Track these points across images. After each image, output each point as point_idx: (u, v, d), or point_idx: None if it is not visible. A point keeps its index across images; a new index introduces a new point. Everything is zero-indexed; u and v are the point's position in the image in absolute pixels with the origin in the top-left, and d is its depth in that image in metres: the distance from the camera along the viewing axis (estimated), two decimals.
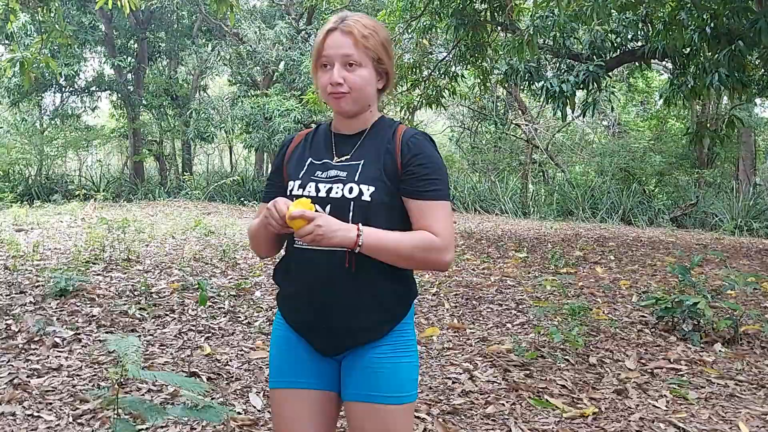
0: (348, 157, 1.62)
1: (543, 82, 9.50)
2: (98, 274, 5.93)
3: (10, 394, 2.96)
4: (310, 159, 1.66)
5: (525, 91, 16.37)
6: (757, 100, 15.99)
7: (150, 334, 4.11)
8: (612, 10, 8.68)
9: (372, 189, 1.55)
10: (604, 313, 5.01)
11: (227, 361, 3.65)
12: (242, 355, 3.79)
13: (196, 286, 5.49)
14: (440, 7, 10.48)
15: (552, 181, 19.00)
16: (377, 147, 1.61)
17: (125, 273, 6.08)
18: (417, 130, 1.63)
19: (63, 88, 19.73)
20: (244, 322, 4.53)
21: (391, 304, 1.60)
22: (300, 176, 1.64)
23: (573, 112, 10.32)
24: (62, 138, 20.56)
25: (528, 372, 3.55)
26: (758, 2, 7.31)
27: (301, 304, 1.62)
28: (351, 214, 1.54)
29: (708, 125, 10.89)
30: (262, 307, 4.97)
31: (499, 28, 11.01)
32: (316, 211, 1.49)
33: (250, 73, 18.97)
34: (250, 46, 18.05)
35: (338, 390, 1.66)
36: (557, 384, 3.37)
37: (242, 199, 16.88)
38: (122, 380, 3.07)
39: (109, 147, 24.47)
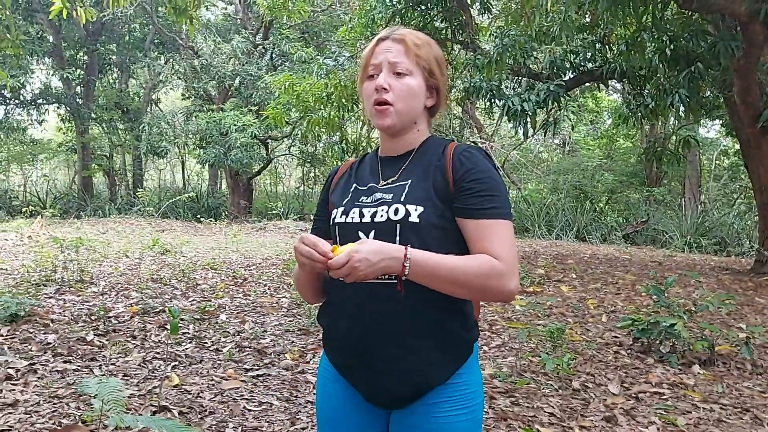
0: (395, 178, 1.46)
1: (504, 100, 9.56)
2: (50, 297, 5.60)
3: None
4: (354, 185, 1.52)
5: (481, 109, 16.56)
6: (702, 121, 16.55)
7: (111, 364, 3.86)
8: (573, 30, 8.84)
9: (421, 209, 1.38)
10: (577, 334, 4.98)
11: (198, 393, 3.44)
12: (213, 385, 3.58)
13: (158, 310, 5.25)
14: (401, 25, 10.49)
15: None
16: (426, 166, 1.45)
17: (79, 296, 5.76)
18: (470, 145, 1.47)
19: (7, 100, 18.95)
20: (211, 349, 4.31)
21: (448, 343, 1.41)
22: (344, 203, 1.49)
23: (534, 131, 10.41)
24: (6, 152, 19.74)
25: (514, 399, 3.45)
26: (715, 26, 7.52)
27: (345, 347, 1.46)
28: (398, 238, 1.37)
29: (658, 145, 11.15)
30: (228, 332, 4.75)
31: (459, 46, 11.09)
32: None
33: (205, 87, 18.59)
34: (206, 59, 17.71)
35: None
36: (545, 412, 3.28)
37: (197, 216, 16.46)
38: (87, 418, 2.85)
39: (56, 161, 23.61)
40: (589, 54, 9.95)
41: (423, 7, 10.30)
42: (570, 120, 13.64)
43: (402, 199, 1.40)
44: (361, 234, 1.41)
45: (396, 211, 1.39)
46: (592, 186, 17.23)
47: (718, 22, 7.52)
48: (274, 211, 16.72)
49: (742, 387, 3.76)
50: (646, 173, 17.77)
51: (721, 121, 13.50)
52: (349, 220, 1.45)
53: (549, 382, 3.71)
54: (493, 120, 19.99)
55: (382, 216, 1.40)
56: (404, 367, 1.39)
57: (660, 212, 15.69)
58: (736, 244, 13.46)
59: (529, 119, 9.54)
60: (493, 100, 10.28)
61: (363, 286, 1.36)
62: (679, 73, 7.59)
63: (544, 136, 11.84)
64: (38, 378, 3.51)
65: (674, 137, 12.95)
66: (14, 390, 3.30)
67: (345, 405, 1.49)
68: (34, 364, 3.74)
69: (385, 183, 1.47)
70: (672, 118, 15.44)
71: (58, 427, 2.82)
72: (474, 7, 10.53)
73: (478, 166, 1.40)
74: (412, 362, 1.39)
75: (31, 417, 2.96)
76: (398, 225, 1.38)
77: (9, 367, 3.61)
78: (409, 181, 1.43)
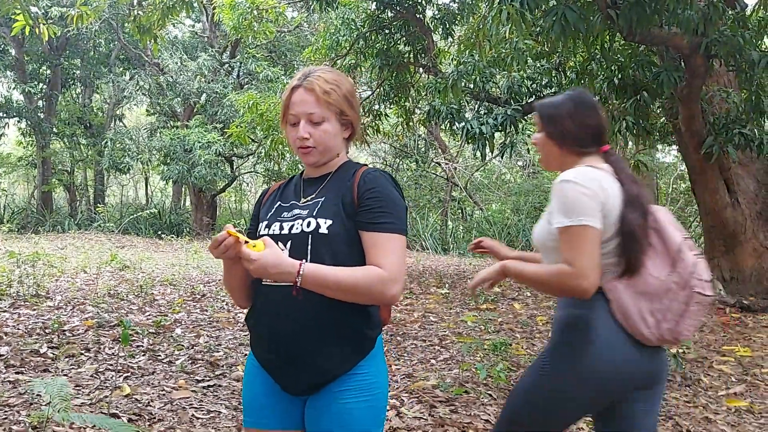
0: (313, 196, 1.68)
1: (464, 123, 9.83)
2: (5, 311, 5.61)
3: None
4: (279, 203, 1.74)
5: (445, 131, 16.89)
6: (659, 146, 17.14)
7: (64, 374, 3.92)
8: (528, 58, 9.19)
9: (329, 222, 1.59)
10: (522, 348, 5.18)
11: (148, 402, 3.53)
12: (164, 395, 3.67)
13: (113, 324, 5.30)
14: (365, 47, 10.74)
15: (470, 218, 19.52)
16: (339, 185, 1.67)
17: (34, 309, 5.77)
18: (377, 169, 1.69)
19: None
20: (164, 361, 4.39)
21: (349, 339, 1.60)
22: (268, 217, 1.71)
23: (492, 153, 10.71)
24: None
25: (453, 407, 3.62)
26: (660, 57, 7.91)
27: (264, 340, 1.66)
28: (309, 247, 1.58)
29: None
30: (183, 345, 4.83)
31: (421, 69, 11.38)
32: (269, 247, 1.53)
33: (170, 104, 18.61)
34: (171, 76, 17.75)
35: (303, 428, 1.67)
36: (481, 419, 3.45)
37: (159, 232, 16.38)
38: (38, 424, 2.93)
39: (15, 176, 23.25)
40: (546, 80, 10.32)
41: (386, 32, 10.58)
42: (527, 143, 14.01)
43: (315, 214, 1.62)
44: (280, 244, 1.60)
45: (308, 224, 1.61)
46: None
47: (663, 53, 7.91)
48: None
49: (669, 397, 3.99)
50: None
51: (677, 147, 14.01)
52: (271, 232, 1.66)
53: (488, 392, 3.89)
54: (458, 141, 20.36)
55: (297, 228, 1.62)
56: (311, 361, 1.59)
57: None
58: None
59: (487, 142, 9.84)
60: (452, 123, 10.59)
61: (278, 290, 1.58)
62: (627, 100, 7.94)
63: (502, 158, 12.15)
64: None
65: (631, 161, 13.40)
66: None
67: (266, 394, 1.69)
68: None
69: (304, 200, 1.69)
70: (630, 143, 15.99)
71: None
72: (436, 32, 10.84)
73: (378, 186, 1.62)
74: (317, 356, 1.59)
75: None
76: (310, 236, 1.59)
77: None
78: (323, 198, 1.66)
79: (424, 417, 3.47)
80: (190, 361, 4.41)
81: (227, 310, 6.35)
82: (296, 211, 1.67)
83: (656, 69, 7.43)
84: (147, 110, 21.12)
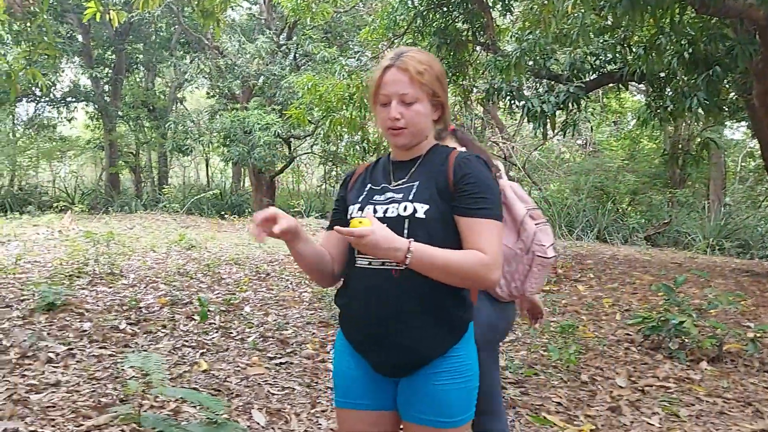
0: (404, 180, 1.68)
1: (524, 102, 9.66)
2: (83, 288, 5.87)
3: (11, 410, 2.93)
4: (369, 185, 1.74)
5: (504, 110, 16.64)
6: (727, 123, 16.48)
7: (143, 350, 4.09)
8: (591, 33, 8.93)
9: (426, 207, 1.59)
10: (590, 331, 5.11)
11: (225, 377, 3.65)
12: (239, 371, 3.79)
13: (185, 301, 5.48)
14: (423, 26, 10.65)
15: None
16: (431, 169, 1.66)
17: (111, 287, 6.02)
18: (470, 153, 1.68)
19: (38, 98, 19.46)
20: (237, 338, 4.53)
21: (445, 322, 1.61)
22: (359, 200, 1.71)
23: (553, 132, 10.50)
24: (36, 148, 20.27)
25: (523, 389, 3.62)
26: (734, 29, 7.57)
27: (357, 321, 1.67)
28: (406, 231, 1.58)
29: (681, 146, 11.17)
30: (253, 323, 4.96)
31: (479, 47, 11.22)
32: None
33: (229, 86, 18.92)
34: (230, 59, 18.03)
35: (396, 408, 1.69)
36: (553, 401, 3.44)
37: (221, 212, 16.78)
38: (125, 397, 3.07)
39: (84, 158, 24.15)
40: (610, 56, 10.02)
41: (444, 9, 10.45)
42: (590, 121, 13.67)
43: (410, 198, 1.62)
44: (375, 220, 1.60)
45: (405, 208, 1.61)
46: (615, 187, 17.19)
47: (737, 25, 7.57)
48: (296, 209, 16.97)
49: (747, 383, 3.88)
50: (669, 175, 17.69)
51: (747, 123, 13.46)
52: (363, 215, 1.64)
53: (558, 374, 3.87)
54: (515, 120, 20.04)
55: (392, 212, 1.62)
56: (406, 343, 1.60)
57: (683, 214, 15.64)
58: (760, 246, 13.38)
59: (548, 120, 9.65)
60: (513, 102, 10.42)
61: (372, 271, 1.60)
62: (697, 76, 7.65)
63: (564, 137, 11.89)
64: (77, 362, 3.76)
65: (698, 139, 12.94)
66: (56, 372, 3.54)
67: (358, 374, 1.71)
68: (72, 349, 3.99)
69: (396, 184, 1.69)
70: (695, 120, 15.42)
71: (98, 405, 3.05)
72: (495, 8, 10.65)
73: (474, 172, 1.61)
74: (413, 338, 1.60)
75: (73, 396, 3.19)
76: (406, 220, 1.59)
77: (50, 352, 3.86)
78: (417, 183, 1.65)
79: None
80: (261, 339, 4.53)
81: (292, 290, 6.48)
82: (389, 195, 1.66)
83: (729, 42, 7.13)
84: (207, 93, 21.54)
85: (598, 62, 10.21)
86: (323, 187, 23.37)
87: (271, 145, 16.60)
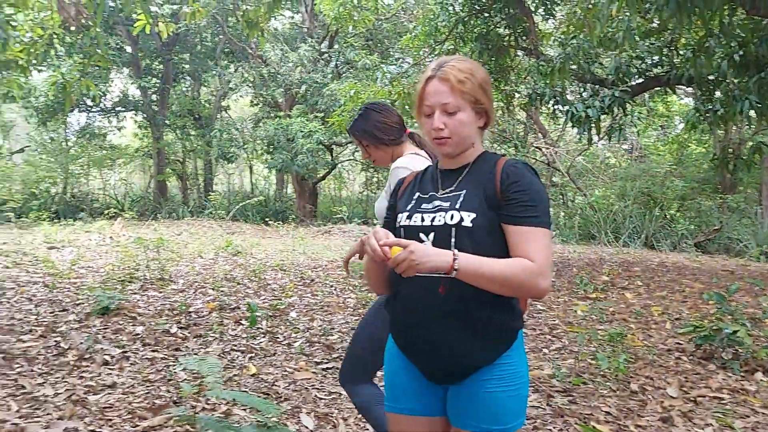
0: (452, 188, 1.70)
1: (568, 106, 9.56)
2: (135, 293, 6.04)
3: (70, 410, 3.04)
4: (417, 194, 1.76)
5: (546, 115, 16.46)
6: None
7: (194, 354, 4.19)
8: (636, 36, 8.78)
9: (473, 215, 1.60)
10: (639, 339, 5.02)
11: (273, 381, 3.72)
12: (287, 375, 3.85)
13: (233, 306, 5.59)
14: (464, 32, 10.64)
15: (572, 204, 18.98)
16: (479, 177, 1.67)
17: (161, 292, 6.18)
18: (518, 160, 1.69)
19: (89, 108, 20.10)
20: (284, 343, 4.59)
21: (493, 332, 1.62)
22: (408, 209, 1.73)
23: (598, 137, 10.35)
24: (87, 156, 20.93)
25: (571, 398, 3.58)
26: None
27: (406, 328, 1.70)
28: (453, 239, 1.59)
29: (732, 151, 10.88)
30: (299, 329, 5.03)
31: (521, 52, 11.15)
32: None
33: (272, 94, 19.23)
34: (273, 68, 18.32)
35: (446, 414, 1.71)
36: (602, 411, 3.39)
37: (265, 218, 17.03)
38: (178, 399, 3.15)
39: (132, 166, 24.82)
40: (656, 59, 9.84)
41: (486, 15, 10.42)
42: (636, 126, 13.42)
43: (457, 207, 1.63)
44: (421, 235, 1.63)
45: (452, 217, 1.62)
46: (662, 192, 16.82)
47: None
48: (338, 215, 17.11)
49: None
50: (719, 180, 17.22)
51: None
52: (412, 223, 1.68)
53: (607, 383, 3.81)
54: (558, 125, 19.79)
55: (439, 220, 1.64)
56: (455, 352, 1.62)
57: (734, 220, 15.21)
58: None
59: (593, 125, 9.53)
60: (556, 106, 10.31)
61: (420, 281, 1.60)
62: (749, 78, 7.45)
63: (609, 141, 11.71)
64: (131, 364, 3.88)
65: (749, 143, 12.57)
66: (111, 374, 3.66)
67: (408, 380, 1.73)
68: (126, 352, 4.12)
69: (443, 192, 1.70)
70: (747, 124, 14.99)
71: (153, 407, 3.14)
72: (537, 13, 10.58)
73: (523, 180, 1.61)
74: (460, 346, 1.61)
75: (128, 397, 3.29)
76: (453, 228, 1.61)
77: (105, 354, 3.99)
78: (464, 191, 1.66)
79: (542, 407, 3.45)
80: (307, 344, 4.59)
81: (336, 295, 6.54)
82: (437, 203, 1.68)
83: None
84: (251, 101, 21.92)
85: (644, 65, 10.04)
86: (365, 193, 23.48)
87: (314, 152, 16.79)
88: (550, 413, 3.36)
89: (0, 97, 11.14)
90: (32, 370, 3.69)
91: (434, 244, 1.61)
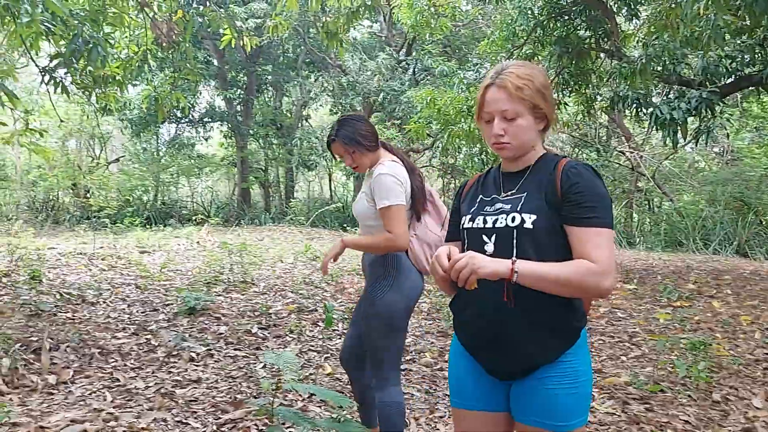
0: (513, 191, 1.73)
1: (652, 108, 9.26)
2: (219, 295, 6.33)
3: (160, 402, 3.25)
4: (480, 196, 1.81)
5: (630, 118, 15.97)
6: None
7: (273, 353, 4.35)
8: (726, 35, 8.41)
9: (534, 217, 1.63)
10: (725, 349, 4.82)
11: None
12: None
13: (311, 309, 5.77)
14: (543, 36, 10.51)
15: (659, 210, 18.29)
16: (540, 180, 1.70)
17: (243, 294, 6.44)
18: (578, 161, 1.71)
19: (179, 120, 21.10)
20: None
21: (556, 331, 1.65)
22: (471, 211, 1.78)
23: (684, 140, 9.97)
24: (176, 166, 21.96)
25: (648, 406, 3.49)
26: None
27: (470, 327, 1.76)
28: (515, 241, 1.63)
29: None
30: None
31: (603, 54, 10.89)
32: None
33: (351, 103, 19.58)
34: (352, 77, 18.66)
35: (509, 410, 1.75)
36: (680, 419, 3.30)
37: (343, 225, 17.34)
38: (257, 394, 3.30)
39: (218, 174, 25.82)
40: (748, 58, 9.39)
41: (566, 18, 10.26)
42: (727, 128, 12.81)
43: (518, 209, 1.67)
44: (484, 237, 1.68)
45: (513, 219, 1.65)
46: (757, 197, 15.94)
47: None
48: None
49: None
50: None
51: None
52: (474, 225, 1.73)
53: (687, 391, 3.69)
54: (643, 128, 19.14)
55: (501, 222, 1.68)
56: (519, 350, 1.66)
57: None
58: None
59: (679, 128, 9.19)
60: (639, 109, 10.01)
61: (485, 285, 1.60)
62: None
63: (697, 145, 11.24)
64: (215, 361, 4.08)
65: None
66: (197, 370, 3.88)
67: (471, 376, 1.78)
68: (210, 350, 4.34)
69: (505, 194, 1.74)
70: None
71: (234, 401, 3.31)
72: (620, 14, 10.31)
73: (583, 181, 1.63)
74: (523, 345, 1.65)
75: (212, 392, 3.48)
76: (515, 231, 1.64)
77: (191, 352, 4.23)
78: (525, 194, 1.69)
79: (617, 414, 3.39)
80: None
81: None
82: (499, 205, 1.72)
83: None
84: (330, 110, 22.38)
85: (734, 65, 9.60)
86: (442, 199, 23.43)
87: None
88: (625, 420, 3.29)
89: (98, 110, 11.89)
90: (125, 365, 3.96)
91: (496, 246, 1.66)
